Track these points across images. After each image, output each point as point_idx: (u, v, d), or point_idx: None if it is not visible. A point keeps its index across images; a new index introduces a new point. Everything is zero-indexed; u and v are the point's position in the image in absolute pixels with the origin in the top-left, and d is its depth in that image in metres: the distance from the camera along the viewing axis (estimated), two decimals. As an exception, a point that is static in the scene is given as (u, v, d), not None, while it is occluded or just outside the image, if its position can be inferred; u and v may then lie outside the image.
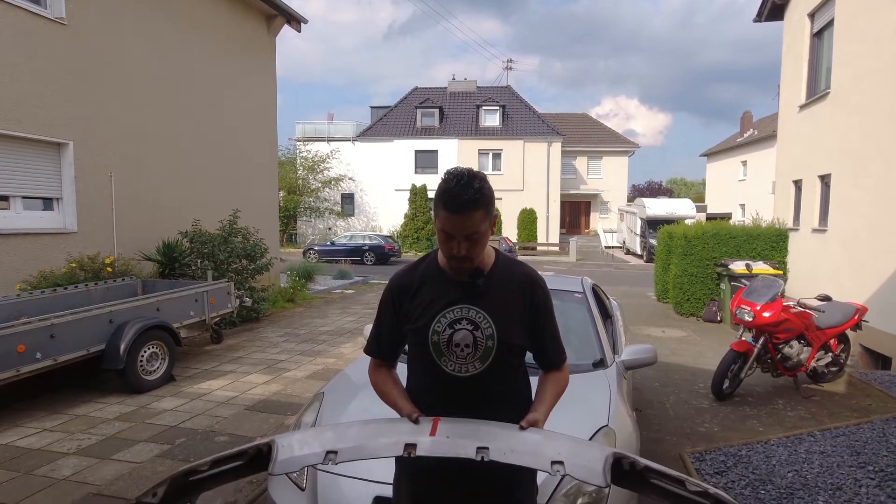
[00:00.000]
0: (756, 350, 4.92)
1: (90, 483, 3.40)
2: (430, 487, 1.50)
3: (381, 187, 28.37)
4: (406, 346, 1.64)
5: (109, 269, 6.46)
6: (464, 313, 1.50)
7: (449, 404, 1.51)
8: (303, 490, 2.15)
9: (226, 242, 7.87)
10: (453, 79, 32.25)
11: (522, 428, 1.38)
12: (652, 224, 21.14)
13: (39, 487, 3.35)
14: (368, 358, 1.69)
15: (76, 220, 6.80)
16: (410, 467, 1.58)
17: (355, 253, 20.59)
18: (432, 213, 1.54)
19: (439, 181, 1.47)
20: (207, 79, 9.09)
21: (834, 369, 5.39)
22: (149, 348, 5.22)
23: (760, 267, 7.81)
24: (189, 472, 1.27)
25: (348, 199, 29.40)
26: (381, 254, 20.76)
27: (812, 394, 5.15)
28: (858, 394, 5.15)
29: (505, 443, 1.30)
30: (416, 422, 1.41)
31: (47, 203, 6.68)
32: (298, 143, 29.03)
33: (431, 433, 1.31)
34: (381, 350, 1.64)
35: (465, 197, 1.39)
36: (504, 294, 1.54)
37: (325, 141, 28.87)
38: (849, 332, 5.46)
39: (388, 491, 1.70)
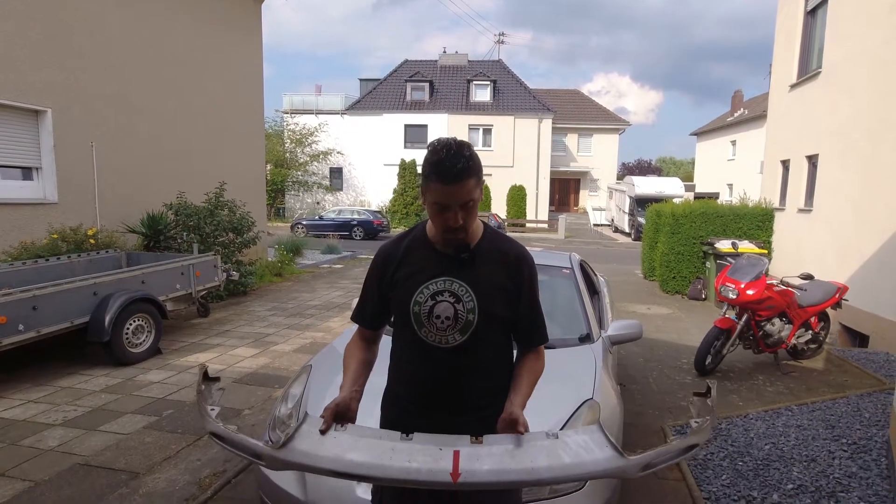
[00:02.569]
0: (739, 327, 5.01)
1: (77, 454, 3.40)
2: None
3: (370, 162, 28.08)
4: (388, 319, 1.64)
5: (92, 240, 6.36)
6: (446, 286, 1.50)
7: (428, 374, 1.52)
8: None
9: (212, 215, 7.77)
10: (444, 52, 31.75)
11: (518, 430, 1.33)
12: (640, 202, 21.24)
13: (26, 458, 3.34)
14: (355, 330, 1.69)
15: (56, 190, 6.65)
16: (394, 412, 1.62)
17: (344, 228, 20.48)
18: (420, 187, 1.51)
19: (425, 154, 1.44)
20: (191, 46, 8.83)
21: (813, 346, 5.51)
22: (134, 321, 5.18)
23: (746, 246, 7.91)
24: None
25: (337, 173, 29.09)
26: (369, 229, 20.67)
27: (791, 370, 5.28)
28: (836, 370, 5.29)
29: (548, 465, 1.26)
30: (326, 416, 1.37)
31: (26, 173, 6.51)
32: (285, 115, 28.51)
33: (453, 475, 1.24)
34: (365, 318, 1.65)
35: (459, 166, 1.37)
36: (489, 268, 1.53)
37: (312, 114, 28.38)
38: (829, 311, 5.58)
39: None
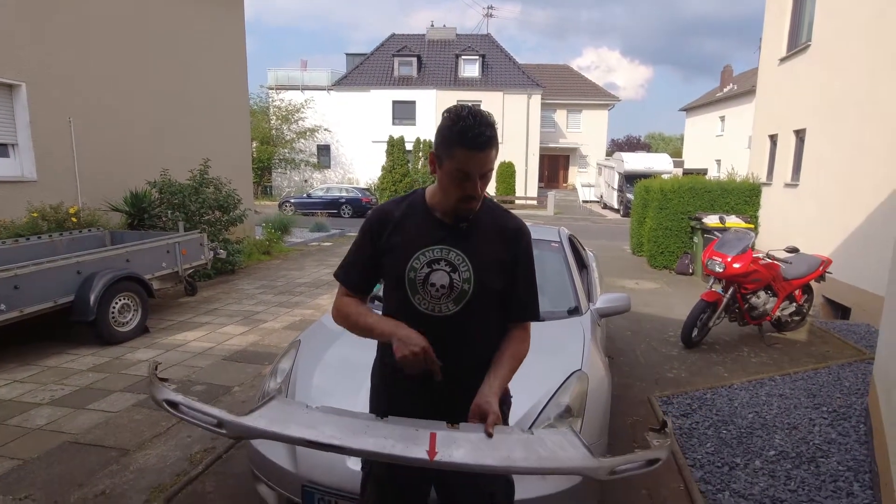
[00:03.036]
0: (725, 300, 5.07)
1: (66, 432, 3.38)
2: (403, 406, 1.50)
3: (358, 139, 27.72)
4: (376, 283, 1.61)
5: (74, 219, 6.23)
6: (443, 254, 1.48)
7: None
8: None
9: (197, 193, 7.64)
10: (432, 26, 31.12)
11: (488, 429, 1.31)
12: (629, 179, 21.27)
13: (13, 436, 3.32)
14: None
15: (35, 167, 6.48)
16: (381, 409, 1.60)
17: (332, 206, 20.32)
18: (437, 153, 1.45)
19: (444, 121, 1.41)
20: (171, 20, 8.55)
21: (797, 318, 5.61)
22: (120, 300, 5.12)
23: (733, 220, 7.97)
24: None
25: (324, 150, 28.71)
26: (358, 207, 20.53)
27: (775, 342, 5.38)
28: (818, 341, 5.40)
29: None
30: (415, 348, 1.34)
31: (2, 150, 6.33)
32: (270, 90, 27.93)
33: (430, 453, 1.23)
34: (351, 278, 1.59)
35: (488, 133, 1.37)
36: (487, 239, 1.52)
37: (298, 89, 27.83)
38: (813, 284, 5.66)
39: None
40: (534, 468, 1.26)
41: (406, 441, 1.23)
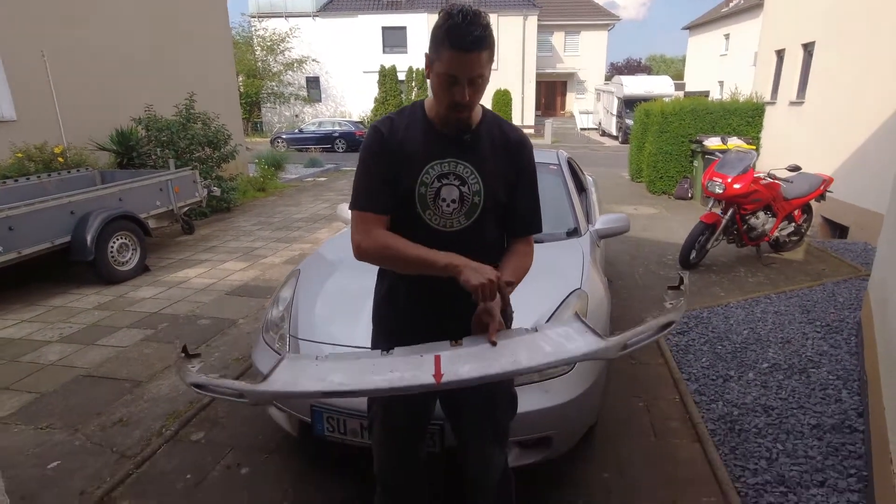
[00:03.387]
0: (724, 221, 5.06)
1: (78, 367, 3.47)
2: (412, 332, 1.49)
3: (348, 69, 26.62)
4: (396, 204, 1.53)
5: (61, 158, 6.08)
6: (451, 168, 1.43)
7: None
8: (287, 359, 2.21)
9: (184, 129, 7.42)
10: (421, -59, 29.01)
11: (491, 337, 1.30)
12: (629, 103, 20.65)
13: (28, 372, 3.40)
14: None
15: (13, 106, 6.24)
16: (386, 333, 1.61)
17: (325, 140, 19.86)
18: (427, 58, 1.37)
19: (436, 21, 1.31)
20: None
21: (795, 238, 5.63)
22: (117, 239, 5.09)
23: (734, 142, 7.81)
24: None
25: (313, 83, 27.64)
26: (352, 140, 20.06)
27: (772, 262, 5.43)
28: (815, 260, 5.45)
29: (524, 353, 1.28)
30: (478, 280, 1.30)
31: (-23, 88, 6.07)
32: (252, 18, 26.47)
33: (436, 376, 1.23)
34: (376, 199, 1.44)
35: (476, 33, 1.27)
36: (491, 151, 1.47)
37: (282, 17, 26.36)
38: (813, 203, 5.63)
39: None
40: (541, 364, 1.26)
41: (412, 370, 1.24)
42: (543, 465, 2.10)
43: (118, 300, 4.68)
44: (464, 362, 1.25)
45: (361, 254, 1.45)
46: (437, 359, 1.26)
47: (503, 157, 1.48)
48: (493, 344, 1.29)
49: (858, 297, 4.22)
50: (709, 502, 2.18)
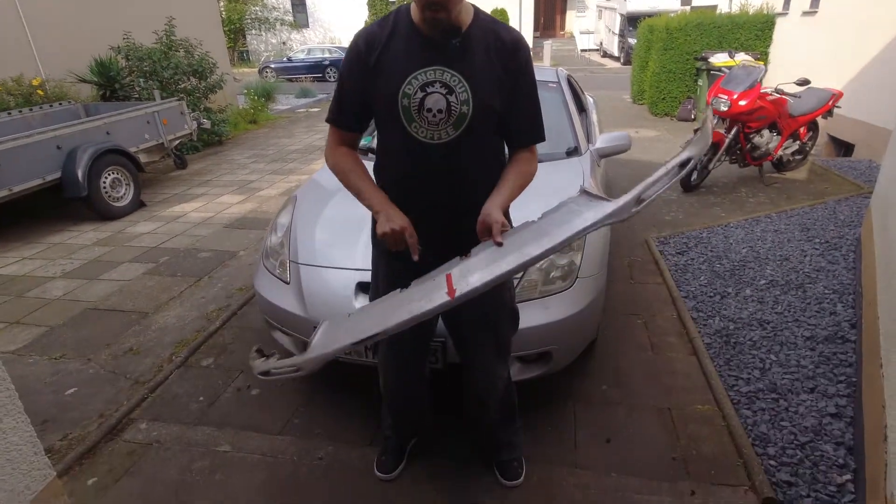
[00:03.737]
0: (727, 140, 4.94)
1: (84, 300, 3.51)
2: (405, 264, 1.49)
3: (335, -10, 25.10)
4: (369, 120, 1.50)
5: (41, 91, 5.86)
6: (437, 76, 1.35)
7: (421, 174, 1.45)
8: (288, 284, 2.23)
9: (166, 58, 7.08)
10: None
11: (496, 238, 1.29)
12: (632, 21, 19.64)
13: (35, 307, 3.45)
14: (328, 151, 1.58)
15: (-18, 36, 5.93)
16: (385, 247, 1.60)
17: (316, 69, 19.05)
18: None
19: None
20: None
21: (798, 158, 5.52)
22: (109, 174, 5.00)
23: (742, 58, 7.48)
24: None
25: (299, 6, 26.11)
26: (343, 69, 19.25)
27: (774, 182, 5.36)
28: (817, 179, 5.38)
29: (530, 238, 1.26)
30: (386, 223, 1.37)
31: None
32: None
33: (450, 293, 1.24)
34: (344, 116, 1.47)
35: None
36: (482, 56, 1.38)
37: (262, -68, 24.49)
38: (819, 120, 5.48)
39: (368, 277, 1.75)
40: (552, 248, 1.24)
41: (428, 295, 1.26)
42: (544, 379, 2.17)
43: (117, 236, 4.66)
44: (473, 272, 1.26)
45: (328, 166, 1.56)
46: (449, 277, 1.27)
47: (497, 61, 1.39)
48: (500, 245, 1.28)
49: (859, 215, 4.21)
50: (703, 409, 2.27)
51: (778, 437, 2.08)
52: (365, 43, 1.39)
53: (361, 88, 1.42)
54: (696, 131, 1.34)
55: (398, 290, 1.32)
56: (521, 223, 1.31)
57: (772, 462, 1.97)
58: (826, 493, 1.84)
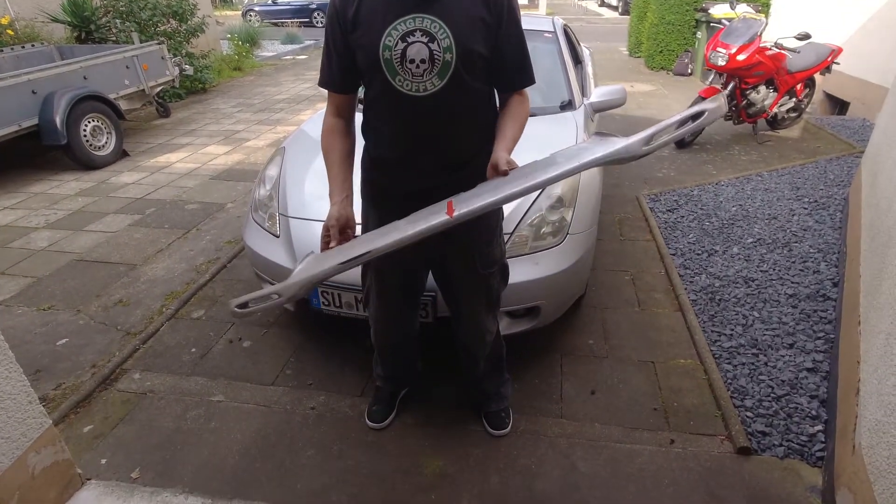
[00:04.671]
0: (723, 96, 4.87)
1: (70, 252, 3.46)
2: (395, 209, 1.48)
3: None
4: (359, 77, 1.45)
5: (10, 31, 5.57)
6: (417, 24, 1.29)
7: (410, 128, 1.41)
8: (277, 237, 2.21)
9: (143, -4, 6.73)
10: None
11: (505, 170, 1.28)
12: (632, -32, 18.90)
13: (20, 258, 3.40)
14: (324, 112, 1.53)
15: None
16: (376, 198, 1.59)
17: (302, 13, 18.24)
18: None
19: None
20: None
21: (793, 115, 5.48)
22: (90, 122, 4.84)
23: (743, 10, 7.27)
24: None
25: (284, -56, 24.71)
26: (331, 13, 18.46)
27: (767, 139, 5.33)
28: (810, 138, 5.36)
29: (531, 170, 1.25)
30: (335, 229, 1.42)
31: None
32: None
33: (449, 212, 1.24)
34: (334, 77, 1.44)
35: None
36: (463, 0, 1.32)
37: None
38: (817, 77, 5.40)
39: (359, 230, 1.73)
40: (558, 175, 1.23)
41: (426, 218, 1.26)
42: (533, 333, 2.21)
43: (100, 186, 4.56)
44: (477, 198, 1.25)
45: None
46: (450, 203, 1.26)
47: (479, 3, 1.33)
48: (506, 174, 1.27)
49: (849, 174, 4.22)
50: (685, 363, 2.34)
51: (756, 391, 2.16)
52: (342, 2, 1.34)
53: (345, 46, 1.38)
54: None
55: (395, 222, 1.31)
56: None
57: (748, 414, 2.05)
58: (798, 441, 1.93)
